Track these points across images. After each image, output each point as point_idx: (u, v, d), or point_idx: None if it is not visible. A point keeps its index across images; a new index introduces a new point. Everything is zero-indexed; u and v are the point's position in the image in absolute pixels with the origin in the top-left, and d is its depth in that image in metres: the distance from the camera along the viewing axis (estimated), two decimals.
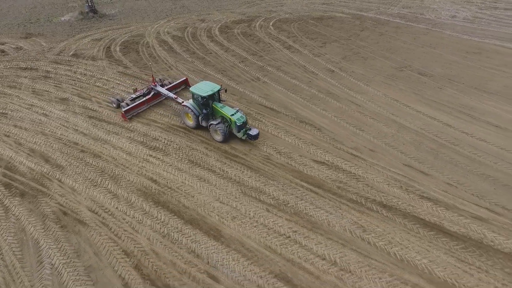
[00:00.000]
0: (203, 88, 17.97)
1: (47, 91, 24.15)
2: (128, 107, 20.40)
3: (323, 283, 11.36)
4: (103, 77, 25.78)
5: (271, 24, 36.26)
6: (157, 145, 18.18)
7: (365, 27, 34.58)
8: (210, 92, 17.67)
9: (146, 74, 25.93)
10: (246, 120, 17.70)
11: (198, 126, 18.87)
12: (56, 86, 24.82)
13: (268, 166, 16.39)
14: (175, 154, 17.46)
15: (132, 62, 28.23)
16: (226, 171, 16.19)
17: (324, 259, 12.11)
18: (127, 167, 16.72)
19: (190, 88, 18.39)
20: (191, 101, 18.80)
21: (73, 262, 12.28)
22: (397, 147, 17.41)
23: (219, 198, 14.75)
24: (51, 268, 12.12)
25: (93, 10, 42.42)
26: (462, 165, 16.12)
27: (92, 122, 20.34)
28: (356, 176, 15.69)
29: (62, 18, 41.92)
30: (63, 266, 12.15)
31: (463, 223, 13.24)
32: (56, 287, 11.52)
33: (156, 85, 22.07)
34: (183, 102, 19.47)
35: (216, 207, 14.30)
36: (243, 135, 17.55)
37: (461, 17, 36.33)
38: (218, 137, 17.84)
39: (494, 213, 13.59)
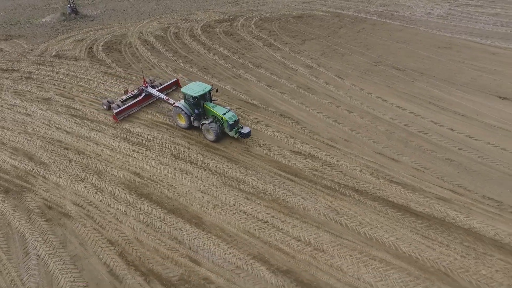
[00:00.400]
0: (194, 88, 18.17)
1: (29, 91, 24.27)
2: (120, 108, 20.28)
3: (297, 261, 12.15)
4: (85, 77, 26.03)
5: (252, 23, 37.03)
6: (140, 140, 18.67)
7: (343, 24, 35.72)
8: (202, 92, 17.88)
9: (129, 74, 26.33)
10: (238, 118, 17.99)
11: (190, 127, 19.07)
12: (38, 86, 24.95)
13: (247, 158, 17.10)
14: (158, 148, 18.00)
15: (115, 61, 28.52)
16: (207, 163, 16.84)
17: (299, 240, 12.90)
18: (111, 162, 17.18)
19: (182, 89, 18.49)
20: (182, 101, 18.90)
21: (59, 253, 12.72)
22: (370, 137, 18.39)
23: (200, 188, 15.39)
24: (37, 259, 12.54)
25: (75, 11, 42.37)
26: (429, 151, 17.19)
27: (75, 120, 20.65)
28: (331, 164, 16.56)
29: (43, 20, 41.71)
30: (49, 257, 12.58)
31: (428, 203, 14.24)
32: (43, 276, 11.96)
33: (147, 86, 22.01)
34: (174, 103, 19.59)
35: (197, 197, 14.94)
36: (235, 134, 17.86)
37: (435, 14, 37.89)
38: (211, 136, 18.10)
39: (456, 194, 14.66)
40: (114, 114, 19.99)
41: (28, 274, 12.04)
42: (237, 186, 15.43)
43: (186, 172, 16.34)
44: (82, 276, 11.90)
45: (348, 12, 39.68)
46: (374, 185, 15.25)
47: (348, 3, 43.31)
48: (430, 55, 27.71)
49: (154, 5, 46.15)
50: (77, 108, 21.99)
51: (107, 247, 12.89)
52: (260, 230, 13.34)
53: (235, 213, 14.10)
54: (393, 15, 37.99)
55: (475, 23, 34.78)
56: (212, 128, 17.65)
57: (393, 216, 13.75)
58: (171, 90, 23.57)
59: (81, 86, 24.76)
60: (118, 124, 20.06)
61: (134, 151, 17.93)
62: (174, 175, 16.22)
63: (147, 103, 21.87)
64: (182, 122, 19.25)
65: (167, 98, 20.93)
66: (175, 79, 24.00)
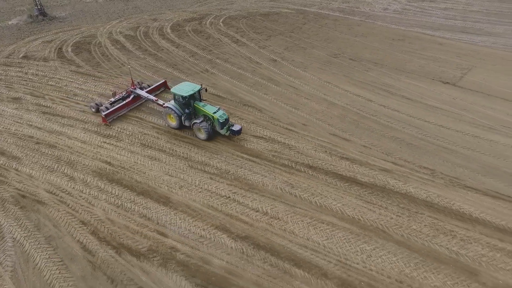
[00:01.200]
0: (184, 88, 18.43)
1: None
2: (108, 111, 20.37)
3: (255, 229, 13.62)
4: (55, 76, 26.51)
5: (221, 21, 38.31)
6: (111, 133, 19.61)
7: (307, 21, 37.63)
8: (191, 92, 18.15)
9: (99, 72, 27.01)
10: (228, 117, 18.33)
11: (181, 126, 19.30)
12: (7, 87, 25.25)
13: (213, 144, 18.43)
14: (128, 139, 19.02)
15: (85, 61, 29.06)
16: (175, 150, 18.04)
17: (257, 211, 14.37)
18: (82, 154, 18.06)
19: (171, 89, 18.72)
20: (172, 102, 19.10)
21: (34, 235, 13.61)
22: (326, 121, 20.13)
23: (168, 172, 16.60)
24: (13, 241, 13.38)
25: (43, 13, 42.17)
26: (377, 131, 19.11)
27: (46, 117, 21.29)
28: (289, 146, 18.15)
29: (10, 22, 41.27)
30: (24, 239, 13.45)
31: (372, 174, 16.07)
32: (19, 256, 12.84)
33: (135, 88, 22.05)
34: (164, 103, 19.78)
35: (165, 180, 16.14)
36: (226, 132, 18.24)
37: (391, 9, 40.50)
38: (202, 135, 18.43)
39: (397, 166, 16.58)
40: (103, 116, 20.10)
41: (5, 255, 12.88)
42: (203, 169, 16.74)
43: (155, 159, 17.49)
44: (57, 253, 12.88)
45: (312, 9, 41.68)
46: (327, 162, 16.95)
47: (313, 1, 45.35)
48: (384, 47, 29.96)
49: (123, 5, 46.52)
50: (48, 105, 22.58)
51: (80, 227, 13.90)
52: (222, 205, 14.72)
53: (200, 192, 15.41)
54: (353, 11, 40.29)
55: (428, 17, 37.58)
56: (203, 127, 17.99)
57: (341, 187, 15.47)
58: (159, 91, 23.72)
59: (51, 85, 25.26)
60: (89, 119, 20.87)
61: (105, 142, 18.87)
62: (143, 162, 17.33)
63: (136, 105, 22.02)
64: (173, 122, 19.41)
65: (156, 99, 21.01)
66: (163, 80, 24.19)
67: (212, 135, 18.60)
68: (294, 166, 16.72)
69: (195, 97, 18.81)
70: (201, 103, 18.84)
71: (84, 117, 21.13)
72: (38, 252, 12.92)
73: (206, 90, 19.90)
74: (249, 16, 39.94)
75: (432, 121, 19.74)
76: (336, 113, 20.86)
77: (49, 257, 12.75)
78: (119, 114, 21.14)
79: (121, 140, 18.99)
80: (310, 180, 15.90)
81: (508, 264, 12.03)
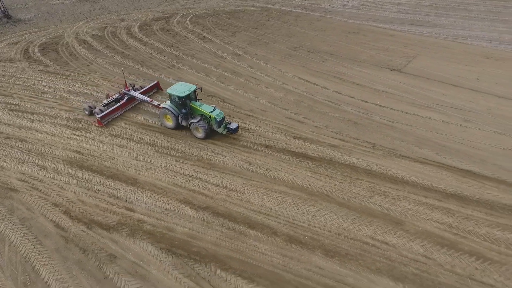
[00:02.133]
0: (180, 88, 18.72)
1: None
2: (103, 113, 20.37)
3: (215, 200, 15.20)
4: (23, 76, 26.98)
5: (188, 19, 39.56)
6: (80, 125, 20.60)
7: (271, 17, 39.55)
8: (187, 92, 18.43)
9: (67, 71, 27.70)
10: (224, 115, 18.72)
11: (178, 126, 19.56)
12: None
13: (178, 131, 19.82)
14: (97, 131, 20.10)
15: (52, 61, 29.59)
16: (142, 138, 19.32)
17: (218, 186, 15.96)
18: (53, 145, 19.00)
19: (167, 90, 18.96)
20: (168, 102, 19.35)
21: (8, 217, 14.59)
22: (283, 106, 21.98)
23: (136, 157, 17.89)
24: None
25: (7, 16, 41.83)
26: (328, 113, 21.14)
27: (15, 114, 21.94)
28: (249, 129, 19.84)
29: None
30: None
31: (321, 150, 18.03)
32: None
33: (129, 90, 22.15)
34: (159, 104, 20.07)
35: (133, 164, 17.42)
36: (224, 130, 18.73)
37: (350, 5, 43.12)
38: (200, 134, 18.78)
39: (343, 141, 18.63)
40: (99, 119, 20.15)
41: None
42: (168, 153, 18.14)
43: (123, 146, 18.70)
44: (31, 232, 13.94)
45: (276, 7, 43.68)
46: (282, 141, 18.76)
47: None
48: (340, 39, 32.27)
49: (90, 6, 46.75)
50: (16, 103, 23.18)
51: (52, 208, 14.99)
52: (186, 182, 16.20)
53: (165, 172, 16.82)
54: (315, 8, 42.60)
55: (382, 11, 40.42)
56: (201, 126, 18.35)
57: (293, 162, 17.31)
58: (152, 92, 23.99)
59: (18, 84, 25.75)
60: (58, 114, 21.71)
61: (75, 134, 19.86)
62: (112, 149, 18.51)
63: (130, 106, 22.12)
64: (170, 123, 19.62)
65: (151, 100, 21.23)
66: (156, 81, 24.46)
67: (209, 134, 19.01)
68: (252, 147, 18.41)
69: (191, 97, 19.11)
70: (197, 103, 19.17)
71: (54, 113, 21.94)
72: (13, 232, 13.94)
73: (201, 90, 20.35)
74: (215, 14, 41.40)
75: (377, 102, 22.01)
76: (293, 99, 22.76)
77: (23, 235, 13.80)
78: (114, 116, 21.08)
79: (90, 131, 20.04)
80: (266, 157, 17.65)
81: (428, 215, 14.22)
